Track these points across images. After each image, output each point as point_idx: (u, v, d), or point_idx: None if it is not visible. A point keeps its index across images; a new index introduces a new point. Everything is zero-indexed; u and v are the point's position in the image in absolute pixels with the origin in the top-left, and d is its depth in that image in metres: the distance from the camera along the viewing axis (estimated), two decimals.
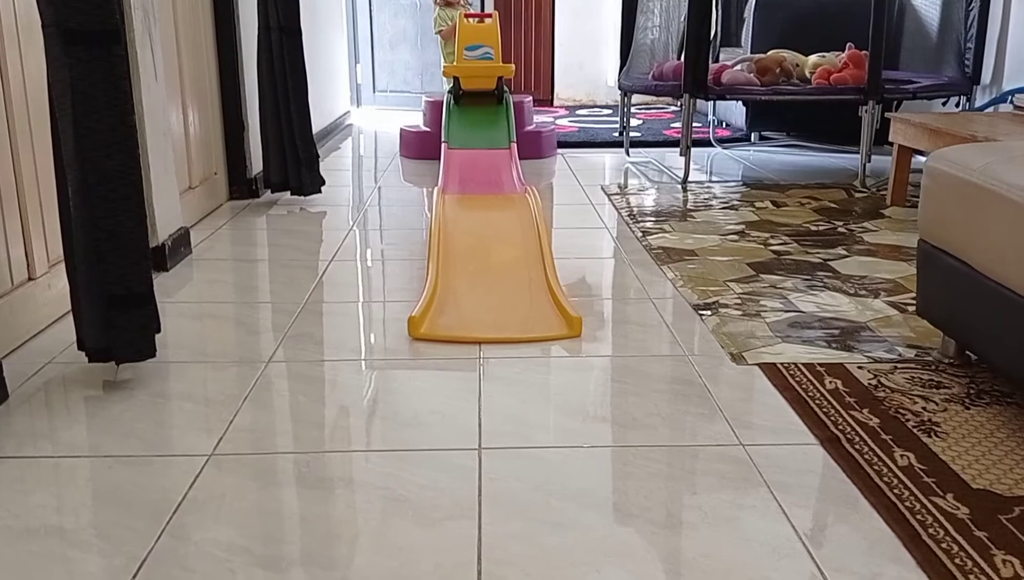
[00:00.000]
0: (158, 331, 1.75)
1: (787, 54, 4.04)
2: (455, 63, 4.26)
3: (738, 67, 3.95)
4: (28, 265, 1.97)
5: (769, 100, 3.87)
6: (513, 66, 4.33)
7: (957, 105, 3.90)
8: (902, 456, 1.43)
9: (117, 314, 1.66)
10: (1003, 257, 1.52)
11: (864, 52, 3.64)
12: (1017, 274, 1.48)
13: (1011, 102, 3.43)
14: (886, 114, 3.44)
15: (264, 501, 1.32)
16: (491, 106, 4.15)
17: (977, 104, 3.85)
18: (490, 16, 4.40)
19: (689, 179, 3.79)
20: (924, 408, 1.61)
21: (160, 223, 2.48)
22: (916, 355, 1.87)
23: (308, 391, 1.72)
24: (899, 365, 1.81)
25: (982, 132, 2.81)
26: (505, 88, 4.23)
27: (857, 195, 3.50)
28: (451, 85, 4.23)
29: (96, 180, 1.61)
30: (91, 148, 1.59)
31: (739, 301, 2.21)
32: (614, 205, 3.36)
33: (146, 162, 2.41)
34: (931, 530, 1.23)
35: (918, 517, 1.26)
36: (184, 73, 2.91)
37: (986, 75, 3.84)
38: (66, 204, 1.64)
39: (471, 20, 4.35)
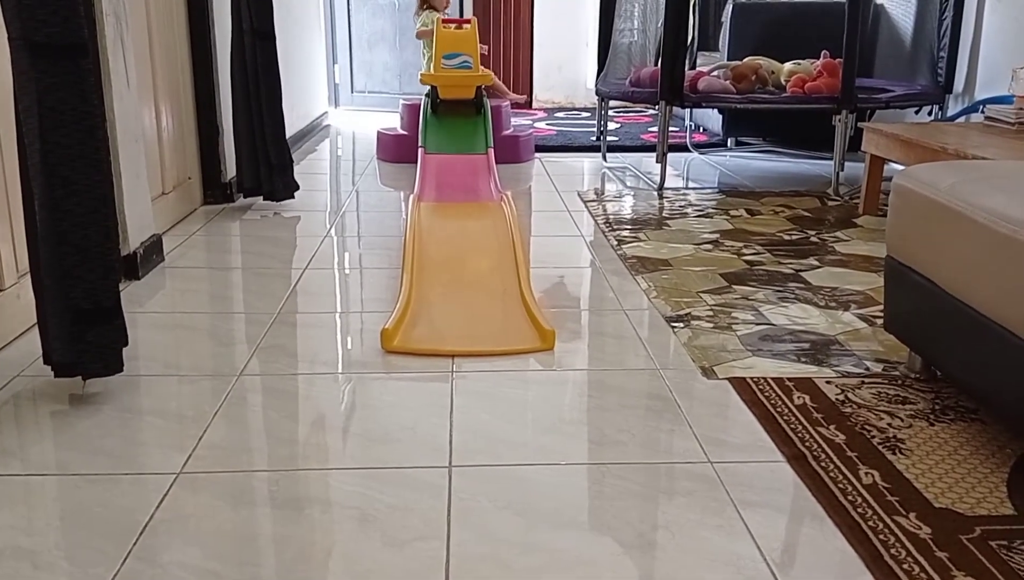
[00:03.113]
0: (125, 345, 1.74)
1: (763, 61, 4.07)
2: (433, 70, 4.23)
3: (714, 73, 3.98)
4: None
5: (744, 108, 3.89)
6: (492, 74, 4.32)
7: (929, 114, 3.94)
8: (867, 474, 1.45)
9: (84, 329, 1.65)
10: (968, 277, 1.54)
11: (838, 61, 3.67)
12: (981, 294, 1.50)
13: (982, 112, 3.47)
14: (859, 124, 3.48)
15: (233, 521, 1.32)
16: (470, 115, 4.13)
17: (949, 113, 3.90)
18: (468, 22, 4.37)
19: (665, 185, 3.81)
20: (890, 424, 1.63)
21: (132, 231, 2.46)
22: (883, 370, 1.89)
23: (279, 406, 1.72)
24: (866, 380, 1.83)
25: (953, 143, 2.85)
26: (483, 94, 4.21)
27: (830, 203, 3.53)
28: (429, 90, 4.22)
29: (63, 194, 1.59)
30: (58, 162, 1.58)
31: (711, 313, 2.23)
32: (590, 212, 3.37)
33: (117, 170, 2.39)
34: (893, 550, 1.24)
35: (881, 537, 1.28)
36: (158, 78, 2.89)
37: (959, 84, 3.89)
38: (32, 218, 1.62)
39: (448, 27, 4.32)
